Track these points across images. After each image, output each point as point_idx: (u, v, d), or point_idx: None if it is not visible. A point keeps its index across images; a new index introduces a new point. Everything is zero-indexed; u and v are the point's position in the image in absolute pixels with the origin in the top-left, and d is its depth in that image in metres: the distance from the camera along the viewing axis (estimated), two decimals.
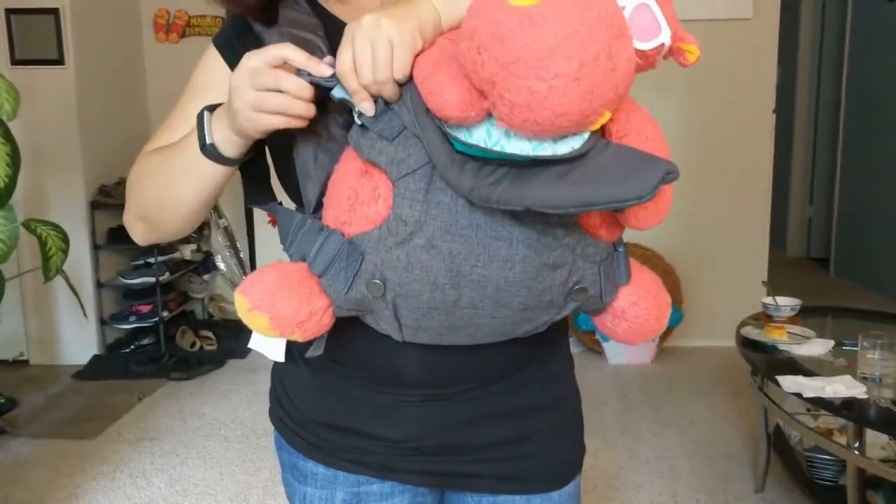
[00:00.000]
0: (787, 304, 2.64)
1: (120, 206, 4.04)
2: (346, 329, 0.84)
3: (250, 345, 0.94)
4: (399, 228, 0.73)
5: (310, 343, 0.83)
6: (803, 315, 2.65)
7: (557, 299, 0.78)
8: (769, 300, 2.65)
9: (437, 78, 0.69)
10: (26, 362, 3.92)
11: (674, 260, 3.84)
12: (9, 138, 2.49)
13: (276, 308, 0.75)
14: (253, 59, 0.74)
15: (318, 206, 0.81)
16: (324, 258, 0.76)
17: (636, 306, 0.82)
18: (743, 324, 2.61)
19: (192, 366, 3.77)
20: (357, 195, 0.75)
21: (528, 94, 0.62)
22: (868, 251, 5.02)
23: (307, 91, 0.74)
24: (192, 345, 4.03)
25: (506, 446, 0.96)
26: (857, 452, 2.01)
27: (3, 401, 3.27)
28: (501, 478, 0.97)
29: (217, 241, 4.64)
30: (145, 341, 4.00)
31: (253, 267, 4.52)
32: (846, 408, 1.98)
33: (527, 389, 0.97)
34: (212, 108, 0.82)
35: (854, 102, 5.24)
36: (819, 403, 2.03)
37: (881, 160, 4.89)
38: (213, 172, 0.83)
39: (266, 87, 0.73)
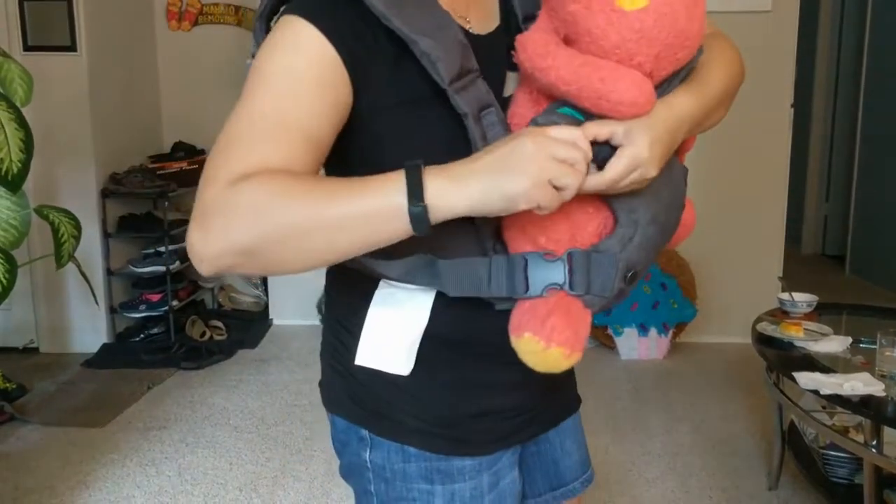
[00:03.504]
0: (803, 300, 2.60)
1: (131, 195, 3.97)
2: (470, 314, 0.88)
3: (362, 362, 0.91)
4: (630, 218, 0.83)
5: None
6: (819, 312, 2.62)
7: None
8: (785, 296, 2.61)
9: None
10: (36, 350, 3.92)
11: (688, 255, 3.80)
12: (22, 124, 2.47)
13: (582, 340, 0.82)
14: (565, 133, 0.75)
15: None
16: (581, 276, 0.82)
17: (690, 211, 0.98)
18: (758, 320, 2.58)
19: (201, 355, 3.76)
20: (570, 214, 0.83)
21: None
22: (885, 249, 4.97)
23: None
24: (202, 334, 4.02)
25: (561, 375, 1.05)
26: (874, 450, 1.98)
27: (13, 388, 3.27)
28: (561, 408, 1.09)
29: None
30: (155, 330, 4.00)
31: None
32: (864, 405, 1.95)
33: None
34: (413, 171, 0.73)
35: (873, 98, 5.18)
36: (836, 401, 2.00)
37: None
38: (401, 235, 0.75)
39: (565, 159, 0.74)
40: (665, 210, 0.86)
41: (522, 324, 0.81)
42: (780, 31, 3.78)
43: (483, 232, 0.84)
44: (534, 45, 0.80)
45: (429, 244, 0.81)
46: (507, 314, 0.86)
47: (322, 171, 0.89)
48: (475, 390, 0.94)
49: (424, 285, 0.85)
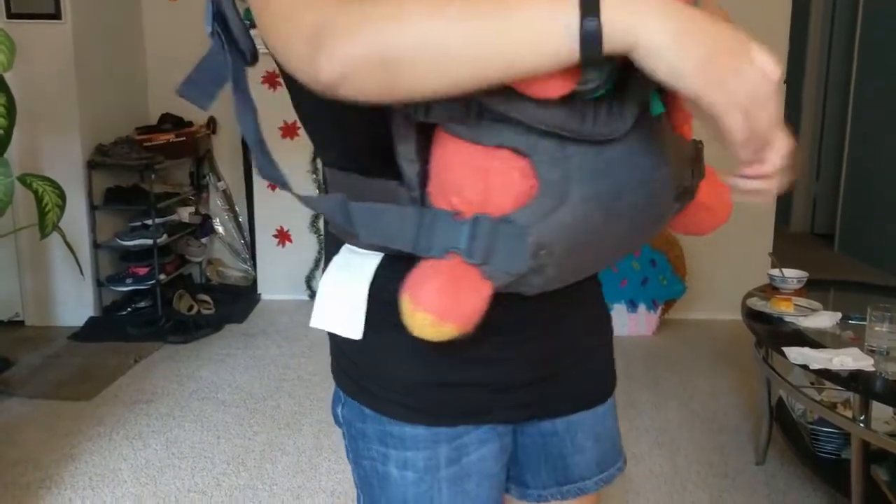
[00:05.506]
0: (793, 276, 2.60)
1: (118, 167, 3.91)
2: None
3: (317, 324, 0.89)
4: (554, 190, 0.70)
5: None
6: (809, 288, 2.62)
7: (674, 205, 0.80)
8: (776, 272, 2.61)
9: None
10: (22, 323, 3.89)
11: None
12: (3, 89, 2.42)
13: (464, 313, 0.71)
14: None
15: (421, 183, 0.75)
16: (481, 245, 0.71)
17: (722, 196, 0.87)
18: (749, 295, 2.58)
19: (189, 329, 3.73)
20: (488, 176, 0.70)
21: None
22: (873, 228, 4.99)
23: None
24: (190, 308, 4.00)
25: (579, 365, 0.99)
26: (862, 425, 1.98)
27: None
28: (569, 399, 1.00)
29: (216, 204, 4.64)
30: (142, 304, 3.97)
31: (251, 231, 4.47)
32: (853, 380, 1.95)
33: (588, 304, 1.00)
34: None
35: (865, 77, 5.16)
36: (825, 375, 2.00)
37: (890, 137, 4.83)
38: (562, 57, 0.63)
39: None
40: (619, 189, 0.72)
41: (408, 283, 0.72)
42: (773, 6, 3.75)
43: (410, 178, 0.76)
44: None
45: (351, 185, 0.80)
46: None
47: None
48: (431, 358, 0.90)
49: (343, 226, 0.79)
